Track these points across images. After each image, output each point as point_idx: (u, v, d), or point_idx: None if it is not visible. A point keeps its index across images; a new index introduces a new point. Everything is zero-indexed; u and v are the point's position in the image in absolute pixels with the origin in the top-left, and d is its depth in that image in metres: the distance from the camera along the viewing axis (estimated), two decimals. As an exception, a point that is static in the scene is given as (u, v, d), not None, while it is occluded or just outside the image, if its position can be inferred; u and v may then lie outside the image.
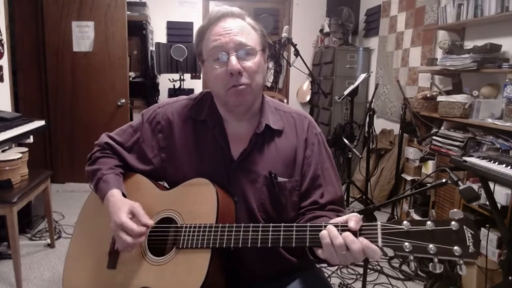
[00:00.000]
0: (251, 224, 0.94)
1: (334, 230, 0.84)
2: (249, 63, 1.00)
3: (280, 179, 1.05)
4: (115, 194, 1.05)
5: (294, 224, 0.91)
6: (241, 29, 1.00)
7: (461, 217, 0.78)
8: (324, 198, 1.07)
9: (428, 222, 0.79)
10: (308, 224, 0.90)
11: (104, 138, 1.20)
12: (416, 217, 3.07)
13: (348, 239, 0.82)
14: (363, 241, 0.81)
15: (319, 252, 0.87)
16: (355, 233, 0.83)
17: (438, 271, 0.77)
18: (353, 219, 0.84)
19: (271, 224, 0.92)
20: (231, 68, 0.97)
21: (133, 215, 1.00)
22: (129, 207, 1.01)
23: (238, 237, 0.93)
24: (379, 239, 0.82)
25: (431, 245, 0.77)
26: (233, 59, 0.98)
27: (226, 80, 0.99)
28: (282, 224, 0.91)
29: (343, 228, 0.84)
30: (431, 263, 0.78)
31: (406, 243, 0.79)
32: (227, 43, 0.98)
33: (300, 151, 1.09)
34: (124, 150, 1.16)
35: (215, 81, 1.02)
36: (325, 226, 0.86)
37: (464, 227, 0.77)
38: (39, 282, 2.32)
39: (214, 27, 1.01)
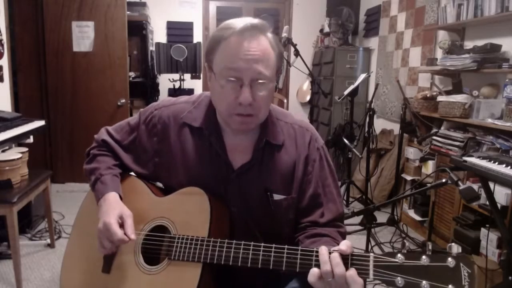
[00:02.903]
0: (243, 242, 0.92)
1: (324, 255, 0.82)
2: (262, 93, 0.95)
3: (276, 196, 1.03)
4: (111, 196, 1.05)
5: (286, 247, 0.88)
6: (263, 54, 0.93)
7: (458, 253, 0.75)
8: (324, 217, 1.04)
9: (423, 257, 0.76)
10: (300, 248, 0.88)
11: (102, 134, 1.18)
12: (416, 217, 3.07)
13: (334, 261, 0.80)
14: (350, 270, 0.79)
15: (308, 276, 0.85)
16: (346, 263, 0.81)
17: None
18: (344, 243, 0.83)
19: (262, 244, 0.90)
20: (243, 100, 0.93)
21: (122, 222, 1.00)
22: (121, 213, 1.01)
23: (229, 255, 0.92)
24: (371, 272, 0.79)
25: (424, 282, 0.74)
26: (247, 91, 0.92)
27: (232, 105, 0.95)
28: (273, 245, 0.89)
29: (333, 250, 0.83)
30: None
31: (399, 278, 0.76)
32: (246, 70, 0.92)
33: (299, 166, 1.06)
34: (121, 148, 1.15)
35: (220, 99, 0.98)
36: (317, 251, 0.84)
37: (461, 264, 0.74)
38: (39, 282, 2.32)
39: (234, 45, 0.93)
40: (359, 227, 2.98)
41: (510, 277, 1.84)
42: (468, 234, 2.31)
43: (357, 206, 3.56)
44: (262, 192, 1.03)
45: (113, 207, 1.02)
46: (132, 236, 0.98)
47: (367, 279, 0.81)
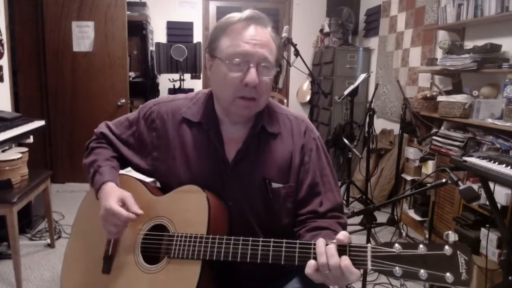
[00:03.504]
0: (241, 238, 0.93)
1: (321, 247, 0.83)
2: (265, 79, 0.99)
3: (274, 185, 1.04)
4: (109, 185, 1.05)
5: (284, 240, 0.90)
6: (268, 42, 0.99)
7: (455, 241, 0.75)
8: (323, 206, 1.05)
9: (420, 246, 0.77)
10: (298, 241, 0.89)
11: (102, 127, 1.20)
12: (416, 217, 3.07)
13: (329, 252, 0.81)
14: (345, 260, 0.80)
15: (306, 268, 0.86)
16: (344, 254, 0.81)
17: None
18: (342, 233, 0.84)
19: (261, 239, 0.91)
20: (249, 80, 0.96)
21: (123, 204, 1.01)
22: (120, 195, 1.02)
23: (228, 251, 0.93)
24: (369, 262, 0.80)
25: (422, 271, 0.75)
26: (253, 72, 0.96)
27: (238, 88, 0.98)
28: (272, 240, 0.90)
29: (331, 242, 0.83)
30: None
31: (397, 268, 0.76)
32: (253, 54, 0.96)
33: (296, 156, 1.07)
34: (119, 142, 1.17)
35: (224, 85, 1.00)
36: (315, 244, 0.85)
37: (458, 252, 0.74)
38: (39, 282, 2.32)
39: (241, 30, 0.98)
40: (359, 227, 2.98)
41: (510, 277, 1.84)
42: (468, 234, 2.31)
43: (357, 206, 3.56)
44: (260, 181, 1.05)
45: (111, 193, 1.02)
46: (139, 211, 1.00)
47: (368, 272, 0.82)
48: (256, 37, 0.98)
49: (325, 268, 0.81)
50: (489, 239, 2.12)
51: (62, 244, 2.76)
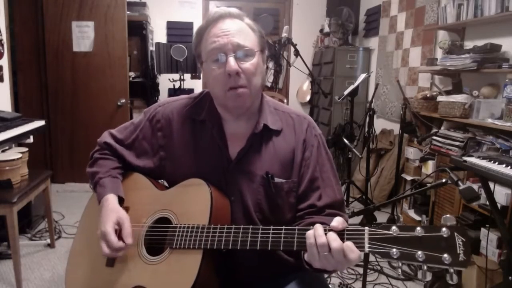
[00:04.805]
0: (242, 226, 0.94)
1: (320, 229, 0.84)
2: (247, 65, 1.00)
3: (277, 180, 1.05)
4: (109, 199, 1.07)
5: (283, 227, 0.91)
6: (239, 30, 1.01)
7: (453, 224, 0.75)
8: (322, 200, 1.06)
9: (418, 228, 0.76)
10: (297, 227, 0.90)
11: (105, 137, 1.21)
12: (416, 217, 3.07)
13: (331, 237, 0.82)
14: (346, 243, 0.81)
15: (305, 255, 0.87)
16: (342, 237, 0.82)
17: (426, 279, 0.75)
18: (336, 219, 0.85)
19: (261, 227, 0.93)
20: (229, 69, 0.97)
21: (119, 226, 1.03)
22: (117, 218, 1.03)
23: (229, 239, 0.94)
24: (366, 245, 0.80)
25: (419, 252, 0.75)
26: (231, 60, 0.98)
27: (224, 82, 0.99)
28: (271, 227, 0.91)
29: (329, 229, 0.84)
30: (420, 271, 0.76)
31: (394, 250, 0.77)
32: (226, 44, 0.98)
33: (298, 152, 1.09)
34: (123, 147, 1.18)
35: (214, 83, 1.02)
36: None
37: (455, 234, 0.74)
38: (39, 282, 2.32)
39: (212, 29, 1.01)
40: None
41: (510, 277, 1.84)
42: (468, 234, 2.31)
43: (357, 206, 3.56)
44: (263, 176, 1.06)
45: (110, 212, 1.04)
46: (128, 240, 1.01)
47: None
48: (226, 28, 1.00)
49: (324, 249, 0.82)
50: (489, 239, 2.12)
51: (62, 244, 2.76)
